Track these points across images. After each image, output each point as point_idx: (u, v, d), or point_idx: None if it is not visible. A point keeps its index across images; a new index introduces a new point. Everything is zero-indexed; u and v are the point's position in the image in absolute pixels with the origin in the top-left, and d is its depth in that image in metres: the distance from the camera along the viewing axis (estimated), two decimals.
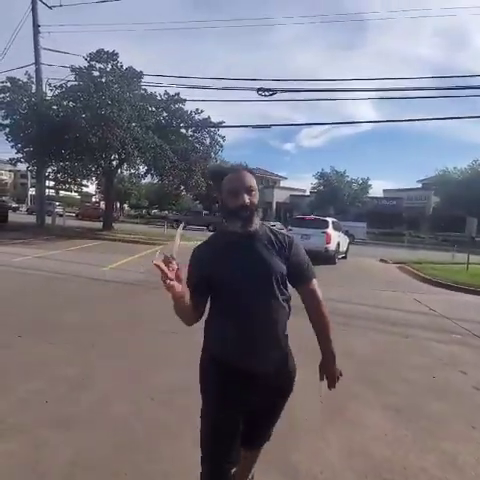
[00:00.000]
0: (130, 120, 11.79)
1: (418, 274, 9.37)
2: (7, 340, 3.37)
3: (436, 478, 1.92)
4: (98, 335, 3.64)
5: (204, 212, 29.41)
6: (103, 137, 10.94)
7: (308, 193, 40.12)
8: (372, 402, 2.71)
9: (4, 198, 38.58)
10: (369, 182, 36.04)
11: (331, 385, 1.39)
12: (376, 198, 36.88)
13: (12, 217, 17.63)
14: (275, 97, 11.90)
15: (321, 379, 1.38)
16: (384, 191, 40.65)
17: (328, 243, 10.06)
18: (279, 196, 40.65)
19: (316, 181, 36.53)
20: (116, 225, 17.70)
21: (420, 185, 37.29)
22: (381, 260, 12.86)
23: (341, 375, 1.39)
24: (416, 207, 34.01)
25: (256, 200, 1.23)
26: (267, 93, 11.77)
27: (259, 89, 11.71)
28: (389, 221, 32.78)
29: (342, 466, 1.98)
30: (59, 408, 2.35)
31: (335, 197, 33.50)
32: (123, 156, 13.16)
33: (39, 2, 13.01)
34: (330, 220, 11.11)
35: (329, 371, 1.37)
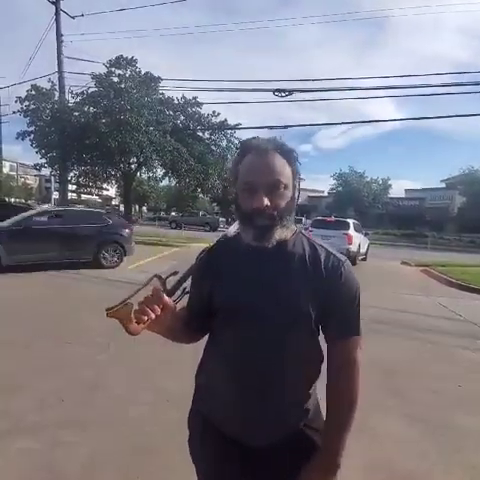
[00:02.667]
0: (148, 124, 12.01)
1: (443, 277, 8.98)
2: (28, 340, 3.46)
3: None
4: (115, 336, 3.66)
5: (201, 213, 30.47)
6: (122, 141, 11.19)
7: (326, 194, 39.62)
8: (394, 412, 2.59)
9: (30, 202, 40.19)
10: (389, 182, 35.20)
11: None
12: (397, 198, 35.94)
13: None
14: (292, 98, 11.84)
15: None
16: (406, 191, 39.57)
17: (349, 244, 10.02)
18: None
19: (334, 182, 36.02)
20: (135, 227, 18.01)
21: (444, 185, 36.02)
22: (403, 262, 12.43)
23: None
24: (440, 207, 32.87)
25: (284, 201, 0.81)
26: (283, 94, 11.71)
27: (276, 90, 11.64)
28: (411, 222, 31.85)
29: (360, 479, 1.89)
30: (75, 408, 2.38)
31: (354, 198, 32.89)
32: (141, 160, 13.42)
33: (62, 13, 13.51)
34: (351, 221, 11.07)
35: None
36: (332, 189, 36.85)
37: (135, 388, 2.67)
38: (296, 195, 0.85)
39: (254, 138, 0.87)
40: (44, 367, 2.92)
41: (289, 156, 0.82)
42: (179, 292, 0.81)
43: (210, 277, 0.87)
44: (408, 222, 31.77)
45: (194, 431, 0.96)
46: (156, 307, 0.74)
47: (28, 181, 51.70)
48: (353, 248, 10.15)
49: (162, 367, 2.98)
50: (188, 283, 0.87)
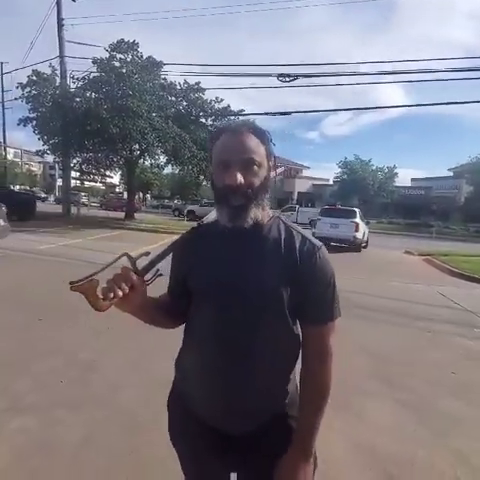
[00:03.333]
0: (150, 110, 11.86)
1: (445, 267, 8.95)
2: (28, 323, 3.52)
3: (446, 476, 1.83)
4: (114, 320, 3.71)
5: (204, 201, 26.57)
6: (124, 127, 11.10)
7: (331, 182, 39.21)
8: (383, 397, 2.62)
9: (34, 189, 40.37)
10: (396, 170, 34.66)
11: None
12: (403, 187, 35.47)
13: (40, 207, 18.39)
14: (297, 83, 11.59)
15: None
16: (412, 180, 39.08)
17: (356, 231, 10.46)
18: (301, 186, 40.06)
19: (339, 170, 35.57)
20: (138, 215, 18.10)
21: (451, 173, 35.41)
22: (406, 252, 12.38)
23: None
24: (446, 196, 32.42)
25: (259, 180, 0.79)
26: (288, 79, 11.46)
27: (280, 75, 11.39)
28: (417, 211, 31.50)
29: (346, 459, 1.94)
30: (72, 389, 2.43)
31: (359, 186, 32.50)
32: (144, 146, 13.32)
33: None
34: (357, 210, 11.49)
35: (294, 476, 0.82)
36: (337, 177, 36.40)
37: (130, 371, 2.72)
38: (271, 176, 0.84)
39: (228, 121, 0.91)
40: (44, 349, 2.98)
41: (262, 136, 0.82)
42: (150, 274, 0.80)
43: (186, 260, 0.87)
44: (414, 211, 31.43)
45: (174, 417, 0.97)
46: (124, 285, 0.73)
47: (32, 168, 51.77)
48: (359, 235, 10.60)
49: (159, 351, 3.02)
50: (162, 265, 0.85)
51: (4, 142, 25.43)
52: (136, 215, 17.33)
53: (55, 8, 13.05)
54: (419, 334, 4.04)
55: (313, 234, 11.78)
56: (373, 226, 25.89)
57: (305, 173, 46.87)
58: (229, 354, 0.81)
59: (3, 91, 19.15)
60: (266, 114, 11.70)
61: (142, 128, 11.42)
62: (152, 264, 0.81)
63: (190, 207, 25.51)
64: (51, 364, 2.74)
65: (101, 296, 0.72)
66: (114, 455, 1.86)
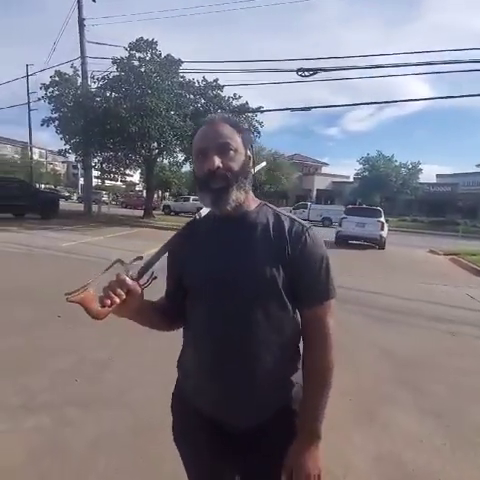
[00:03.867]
0: (168, 108, 11.91)
1: (473, 267, 8.50)
2: (47, 319, 3.58)
3: None
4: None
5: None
6: (142, 126, 11.20)
7: (351, 180, 38.32)
8: (408, 405, 2.47)
9: (58, 188, 41.71)
10: (420, 166, 33.40)
11: None
12: (428, 184, 34.18)
13: (64, 205, 18.98)
14: (316, 77, 11.30)
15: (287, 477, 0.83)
16: (437, 176, 37.53)
17: (382, 230, 10.86)
18: (320, 183, 39.39)
19: (360, 167, 34.67)
20: (157, 213, 18.38)
21: (479, 169, 33.78)
22: (430, 251, 11.90)
23: (319, 478, 0.84)
24: (474, 193, 30.98)
25: (237, 165, 0.80)
26: (307, 73, 11.20)
27: (299, 69, 11.15)
28: (442, 209, 30.31)
29: (368, 471, 1.82)
30: (87, 388, 2.43)
31: (381, 183, 31.56)
32: (162, 145, 13.41)
33: None
34: (381, 209, 11.97)
35: (302, 461, 0.81)
36: (358, 174, 35.49)
37: (146, 370, 2.69)
38: (250, 163, 0.85)
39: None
40: (59, 347, 3.01)
41: (237, 126, 0.85)
42: (146, 277, 0.78)
43: (180, 258, 0.88)
44: (439, 209, 30.27)
45: (176, 418, 0.96)
46: (120, 291, 0.73)
47: (57, 167, 53.56)
48: (384, 234, 11.01)
49: (175, 351, 2.98)
50: (157, 267, 0.82)
51: (30, 142, 26.31)
52: (155, 213, 17.57)
53: (76, 9, 13.31)
54: (444, 337, 3.83)
55: (338, 232, 10.83)
56: (396, 224, 25.30)
57: (324, 170, 46.08)
58: (226, 349, 0.81)
59: (29, 93, 19.80)
60: (285, 109, 11.47)
61: (160, 126, 11.48)
62: (147, 267, 0.79)
63: (166, 202, 27.14)
64: (67, 362, 2.75)
65: (98, 304, 0.72)
66: (123, 458, 1.82)
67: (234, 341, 0.80)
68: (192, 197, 25.28)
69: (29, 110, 20.61)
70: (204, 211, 0.85)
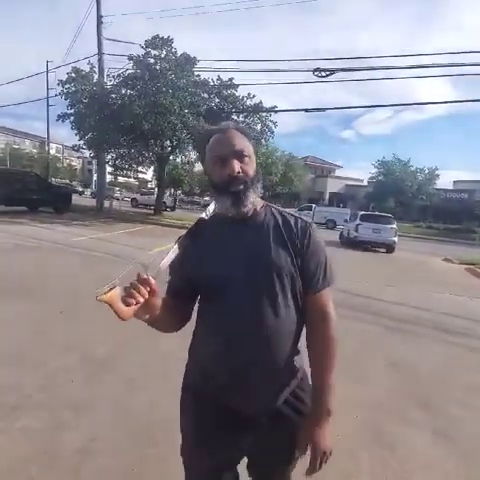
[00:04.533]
0: (182, 107, 11.89)
1: None
2: (50, 315, 3.54)
3: None
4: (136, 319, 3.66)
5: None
6: (156, 124, 11.20)
7: (366, 183, 37.76)
8: (418, 425, 2.31)
9: (73, 183, 42.43)
10: (437, 172, 32.66)
11: (314, 463, 0.90)
12: (444, 190, 33.39)
13: (77, 200, 19.22)
14: (333, 78, 11.08)
15: (301, 452, 0.93)
16: (454, 182, 36.65)
17: (395, 236, 11.91)
18: (333, 186, 38.97)
19: (375, 170, 34.12)
20: (168, 211, 18.46)
21: None
22: (445, 259, 11.56)
23: (330, 454, 0.91)
24: None
25: (252, 170, 0.89)
26: (324, 74, 10.98)
27: (315, 70, 10.95)
28: (458, 216, 29.53)
29: None
30: (83, 389, 2.36)
31: (396, 188, 30.99)
32: (175, 143, 13.41)
33: None
34: (392, 216, 12.97)
35: (315, 438, 0.89)
36: (372, 178, 34.95)
37: (146, 373, 2.62)
38: (258, 168, 0.93)
39: (209, 127, 0.97)
40: (60, 344, 2.96)
41: (248, 134, 0.93)
42: (164, 277, 0.84)
43: (193, 258, 0.90)
44: (455, 216, 29.52)
45: (181, 397, 1.01)
46: (143, 290, 0.74)
47: (73, 163, 54.53)
48: (396, 239, 12.01)
49: (179, 354, 2.90)
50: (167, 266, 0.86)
51: (47, 138, 26.77)
52: (166, 210, 17.63)
53: (94, 6, 13.43)
54: (460, 352, 3.63)
55: (355, 237, 11.61)
56: (410, 230, 24.76)
57: (338, 173, 45.56)
58: (240, 332, 0.86)
59: (48, 89, 20.09)
60: (299, 110, 11.29)
61: (173, 124, 11.47)
62: (162, 266, 0.82)
63: (133, 195, 28.70)
64: (65, 360, 2.70)
65: (123, 304, 0.73)
66: (112, 465, 1.74)
67: (254, 330, 0.86)
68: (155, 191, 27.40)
69: (48, 106, 20.89)
70: (210, 210, 0.89)
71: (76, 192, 29.16)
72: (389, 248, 12.02)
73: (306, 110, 11.11)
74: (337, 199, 36.68)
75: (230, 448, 0.94)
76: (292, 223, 0.93)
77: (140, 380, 2.52)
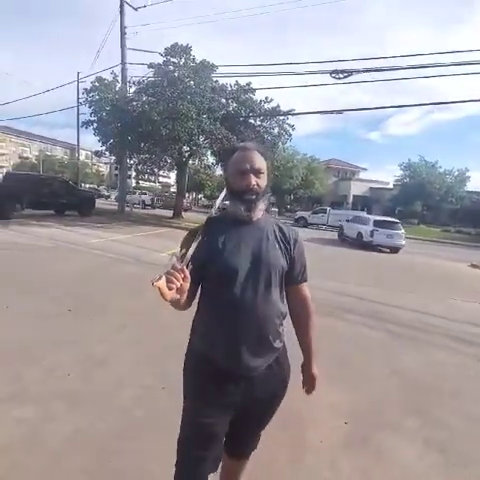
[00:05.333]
0: (200, 112, 12.08)
1: None
2: (56, 312, 3.70)
3: None
4: (138, 317, 3.76)
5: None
6: (173, 129, 11.45)
7: (391, 186, 36.56)
8: (412, 434, 2.22)
9: (100, 187, 44.09)
10: (467, 173, 31.09)
11: (312, 384, 1.34)
12: (476, 192, 31.69)
13: (102, 204, 19.95)
14: (352, 79, 10.88)
15: (304, 384, 1.35)
16: None
17: (403, 240, 13.53)
18: (357, 189, 38.00)
19: (401, 172, 32.98)
20: (189, 213, 18.74)
21: None
22: (472, 265, 10.98)
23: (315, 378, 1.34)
24: None
25: (264, 184, 1.14)
26: (341, 75, 10.82)
27: (332, 71, 10.82)
28: None
29: None
30: (77, 383, 2.46)
31: (423, 191, 29.76)
32: (193, 148, 13.64)
33: (126, 5, 14.16)
34: (400, 222, 14.40)
35: (313, 370, 1.33)
36: (398, 180, 33.80)
37: (139, 370, 2.69)
38: (269, 183, 1.18)
39: (234, 145, 1.32)
40: (63, 340, 3.09)
41: (265, 154, 1.18)
42: (187, 265, 0.97)
43: (205, 249, 1.09)
44: None
45: (186, 363, 1.24)
46: (179, 277, 0.91)
47: (100, 168, 56.80)
48: (404, 242, 13.59)
49: (172, 353, 2.96)
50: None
51: (78, 144, 28.02)
52: (186, 214, 17.92)
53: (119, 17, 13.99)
54: (469, 362, 3.44)
55: (371, 242, 12.80)
56: (437, 235, 23.70)
57: (363, 175, 44.43)
58: (241, 308, 1.10)
59: (79, 98, 21.05)
60: (316, 113, 11.17)
61: (190, 130, 11.67)
62: (188, 256, 0.99)
63: (108, 193, 34.35)
64: (66, 355, 2.81)
65: (167, 289, 0.89)
66: (94, 458, 1.80)
67: (255, 305, 1.10)
68: (138, 191, 33.12)
69: (78, 114, 21.89)
70: (215, 209, 1.21)
71: (102, 196, 30.30)
72: (397, 250, 13.69)
73: (322, 112, 10.96)
74: (361, 202, 35.74)
75: (225, 399, 1.14)
76: (285, 230, 1.22)
77: (130, 377, 2.58)
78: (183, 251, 1.01)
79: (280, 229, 1.21)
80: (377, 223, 13.62)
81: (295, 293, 1.26)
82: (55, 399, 2.25)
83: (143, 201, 27.69)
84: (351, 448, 2.05)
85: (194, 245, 1.02)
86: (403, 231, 13.61)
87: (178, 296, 0.93)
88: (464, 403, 2.65)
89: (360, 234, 13.82)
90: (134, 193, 28.95)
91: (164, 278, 0.89)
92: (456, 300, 6.12)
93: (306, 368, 1.33)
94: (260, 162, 1.13)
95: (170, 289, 0.89)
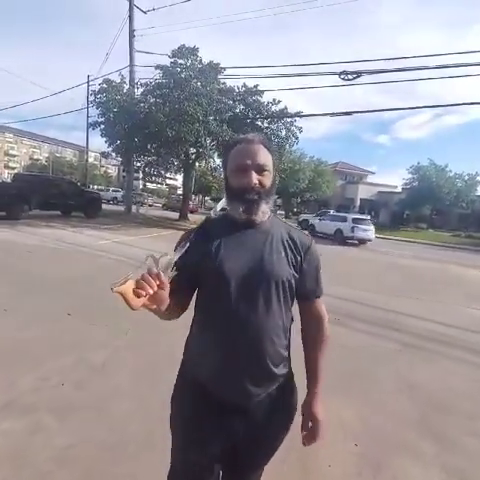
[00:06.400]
0: (206, 114, 12.03)
1: None
2: (56, 316, 3.61)
3: None
4: (141, 321, 3.64)
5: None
6: (179, 131, 11.41)
7: (400, 190, 36.11)
8: (429, 459, 2.05)
9: (110, 189, 44.41)
10: (478, 178, 30.53)
11: (313, 432, 1.06)
12: None
13: (108, 205, 20.00)
14: (360, 81, 10.71)
15: (303, 428, 1.07)
16: None
17: (373, 234, 15.74)
18: (364, 192, 37.65)
19: (410, 176, 32.53)
20: (195, 216, 18.74)
21: None
22: None
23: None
24: None
25: (268, 183, 0.97)
26: (350, 77, 10.66)
27: (341, 72, 10.66)
28: None
29: None
30: (71, 393, 2.35)
31: (432, 195, 29.30)
32: (199, 150, 13.59)
33: (135, 8, 14.22)
34: (369, 218, 16.72)
35: (315, 409, 1.06)
36: (406, 184, 33.34)
37: (137, 380, 2.58)
38: (275, 181, 1.00)
39: (235, 138, 1.05)
40: (61, 345, 3.00)
41: (271, 148, 1.00)
42: (169, 271, 0.85)
43: (198, 254, 0.95)
44: None
45: (175, 387, 1.08)
46: (153, 283, 0.78)
47: (109, 170, 57.31)
48: (374, 236, 15.88)
49: (174, 361, 2.83)
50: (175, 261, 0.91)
51: (87, 147, 28.26)
52: (192, 216, 17.88)
53: (127, 20, 14.06)
54: None
55: (352, 237, 14.54)
56: (447, 239, 23.27)
57: (371, 179, 44.04)
58: (235, 327, 0.93)
59: (88, 100, 21.17)
60: (324, 115, 11.04)
61: (196, 131, 11.62)
62: (171, 261, 0.86)
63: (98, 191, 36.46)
64: (62, 362, 2.71)
65: (135, 295, 0.77)
66: (82, 476, 1.68)
67: (250, 327, 0.93)
68: (111, 188, 34.92)
69: (87, 116, 22.01)
70: (216, 210, 1.03)
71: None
72: (365, 242, 15.61)
73: (331, 114, 10.82)
74: (368, 206, 35.38)
75: (217, 435, 0.98)
76: (296, 237, 1.03)
77: (128, 386, 2.48)
78: (162, 253, 0.88)
79: (289, 235, 1.02)
80: (355, 220, 15.48)
81: (306, 311, 1.08)
82: (47, 411, 2.15)
83: (115, 198, 31.17)
84: (364, 473, 1.89)
85: (181, 248, 0.90)
86: (373, 227, 15.72)
87: (154, 306, 0.81)
88: None
89: (340, 231, 15.41)
90: (107, 190, 32.81)
91: (131, 282, 0.77)
92: (474, 309, 5.89)
93: (307, 404, 1.07)
94: (265, 157, 0.96)
95: (139, 296, 0.77)
